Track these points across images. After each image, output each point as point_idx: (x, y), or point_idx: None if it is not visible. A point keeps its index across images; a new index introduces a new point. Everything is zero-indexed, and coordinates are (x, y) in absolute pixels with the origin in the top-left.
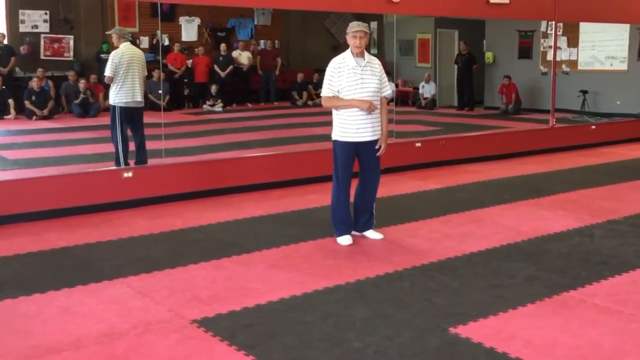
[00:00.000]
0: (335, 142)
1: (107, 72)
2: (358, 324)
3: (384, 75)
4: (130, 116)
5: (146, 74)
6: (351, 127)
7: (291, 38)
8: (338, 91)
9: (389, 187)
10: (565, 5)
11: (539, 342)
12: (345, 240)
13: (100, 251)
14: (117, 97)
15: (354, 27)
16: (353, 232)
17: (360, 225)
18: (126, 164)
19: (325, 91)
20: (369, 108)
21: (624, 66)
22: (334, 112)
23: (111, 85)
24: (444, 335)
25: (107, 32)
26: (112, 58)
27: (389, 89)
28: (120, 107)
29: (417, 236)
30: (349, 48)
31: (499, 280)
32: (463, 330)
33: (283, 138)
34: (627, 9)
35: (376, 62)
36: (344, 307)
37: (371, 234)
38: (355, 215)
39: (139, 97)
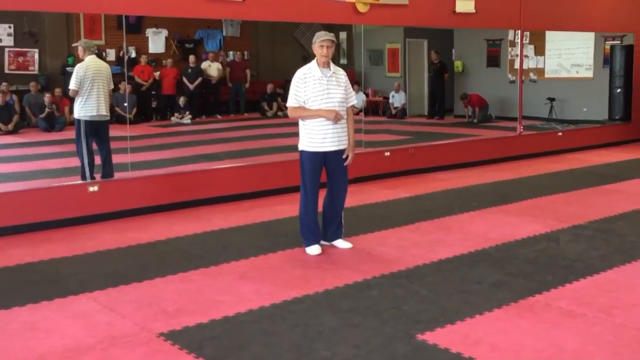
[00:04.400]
0: (302, 152)
1: (72, 85)
2: (326, 333)
3: (349, 85)
4: (96, 130)
5: (112, 87)
6: (318, 137)
7: (260, 49)
8: (304, 102)
9: (358, 197)
10: (531, 14)
11: (505, 346)
12: (314, 250)
13: (66, 266)
14: (81, 110)
15: (321, 36)
16: (322, 242)
17: (329, 235)
18: (92, 177)
19: (292, 102)
20: (335, 118)
21: (589, 73)
22: (300, 122)
23: (76, 98)
24: (412, 342)
25: (73, 45)
26: (77, 71)
27: (354, 99)
28: (85, 121)
29: (386, 245)
30: (315, 58)
31: (467, 286)
32: (430, 337)
33: (253, 149)
34: (591, 17)
35: (341, 72)
36: (313, 317)
37: (340, 243)
38: (324, 225)
39: (104, 111)
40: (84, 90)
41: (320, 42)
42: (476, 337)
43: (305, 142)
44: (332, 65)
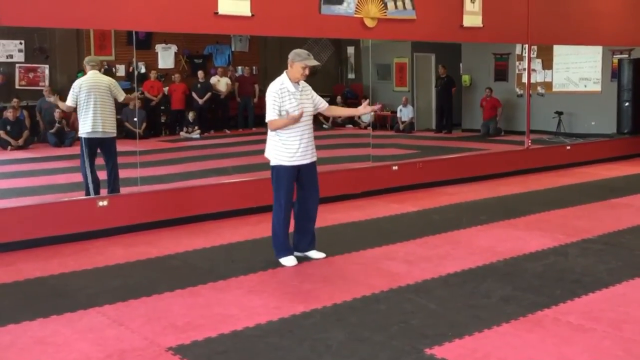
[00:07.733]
0: (280, 167)
1: (67, 102)
2: (335, 347)
3: (315, 94)
4: (98, 147)
5: (121, 100)
6: (296, 151)
7: (269, 64)
8: (280, 114)
9: (366, 211)
10: (538, 28)
11: None
12: (290, 261)
13: (76, 280)
14: (80, 127)
15: (306, 58)
16: (295, 253)
17: (302, 245)
18: (96, 194)
19: (273, 114)
20: (300, 115)
21: (597, 87)
22: (275, 137)
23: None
24: (420, 356)
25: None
26: (73, 88)
27: (324, 101)
28: (84, 138)
29: (394, 258)
30: (285, 72)
31: (475, 301)
32: (439, 351)
33: (261, 164)
34: (599, 31)
35: (307, 86)
36: (321, 331)
37: (314, 254)
38: (298, 236)
39: (100, 127)
40: (80, 107)
41: (304, 66)
42: (485, 351)
43: (285, 156)
44: None
